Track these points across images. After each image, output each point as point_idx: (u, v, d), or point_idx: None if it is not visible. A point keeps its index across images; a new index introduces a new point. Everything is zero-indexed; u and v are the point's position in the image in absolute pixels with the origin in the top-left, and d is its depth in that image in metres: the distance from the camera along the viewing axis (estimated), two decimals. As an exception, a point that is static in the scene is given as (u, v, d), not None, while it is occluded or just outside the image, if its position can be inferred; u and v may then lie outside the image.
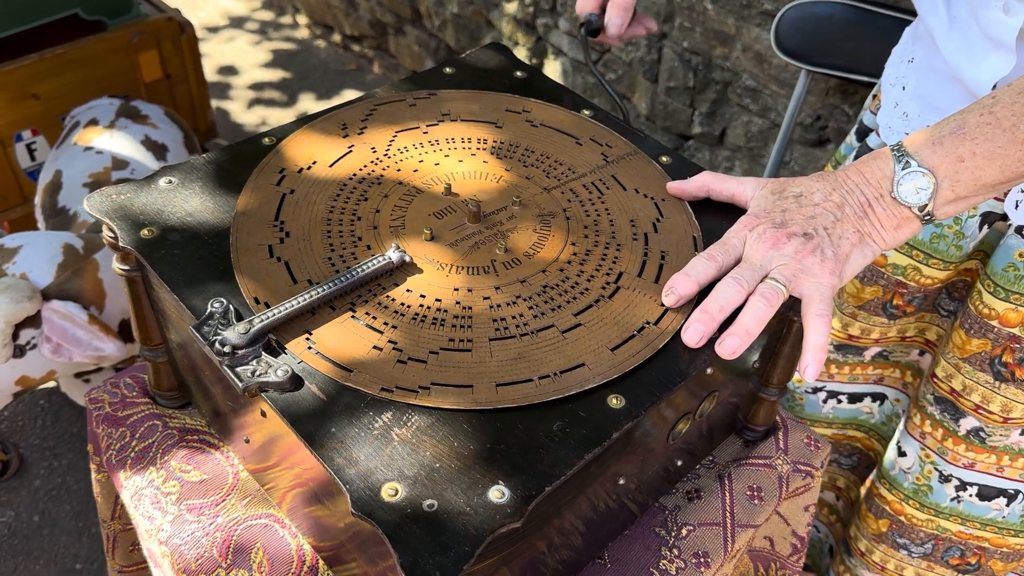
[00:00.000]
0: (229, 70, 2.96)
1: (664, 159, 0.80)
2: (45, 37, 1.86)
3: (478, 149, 0.79)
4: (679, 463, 0.76)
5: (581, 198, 0.73)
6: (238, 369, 0.58)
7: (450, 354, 0.61)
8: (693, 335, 0.62)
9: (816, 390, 1.13)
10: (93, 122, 1.70)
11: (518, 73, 0.90)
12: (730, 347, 0.61)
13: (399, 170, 0.76)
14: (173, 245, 0.66)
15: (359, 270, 0.64)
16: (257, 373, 0.58)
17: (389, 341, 0.61)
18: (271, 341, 0.60)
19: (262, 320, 0.59)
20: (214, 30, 3.17)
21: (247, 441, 0.72)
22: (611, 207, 0.72)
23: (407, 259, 0.66)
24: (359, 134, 0.79)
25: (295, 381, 0.58)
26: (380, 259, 0.65)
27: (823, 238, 0.64)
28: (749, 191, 0.71)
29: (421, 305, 0.64)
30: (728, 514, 0.78)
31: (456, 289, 0.65)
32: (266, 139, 0.77)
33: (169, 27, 2.00)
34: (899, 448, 1.04)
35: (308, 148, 0.77)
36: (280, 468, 0.68)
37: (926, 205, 0.64)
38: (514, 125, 0.81)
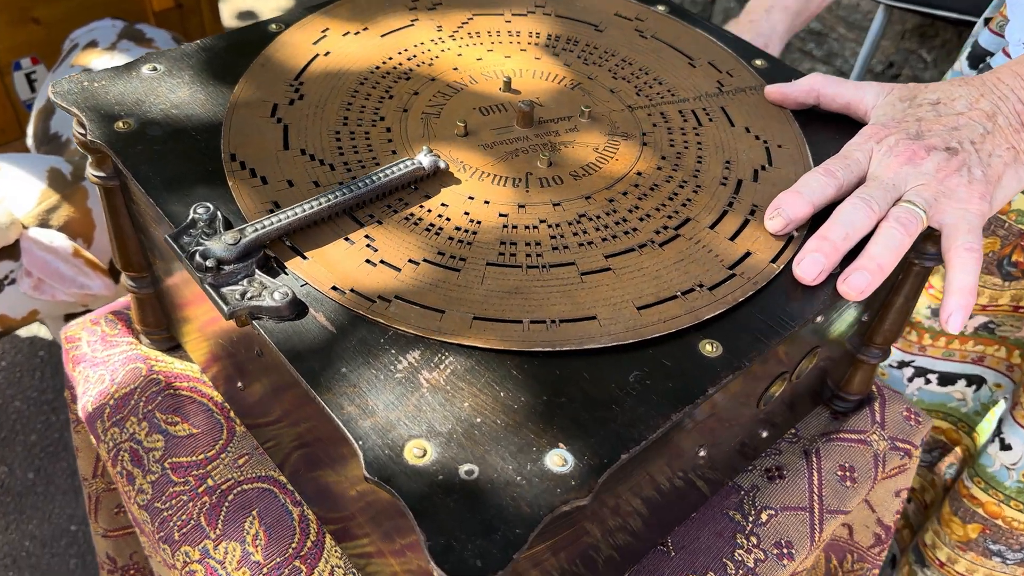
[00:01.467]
0: (249, 15, 2.82)
1: (758, 62, 0.67)
2: None
3: (563, 50, 0.66)
4: (764, 434, 0.63)
5: (671, 125, 0.60)
6: (224, 290, 0.45)
7: (499, 275, 0.49)
8: (810, 269, 0.49)
9: (902, 364, 0.97)
10: (93, 44, 1.56)
11: None
12: (858, 284, 0.49)
13: (459, 55, 0.65)
14: (153, 140, 0.54)
15: (380, 175, 0.52)
16: (248, 295, 0.45)
17: (421, 260, 0.49)
18: (268, 258, 0.48)
19: (256, 229, 0.47)
20: None
21: (241, 388, 0.60)
22: (706, 142, 0.59)
23: (442, 165, 0.54)
24: (428, 9, 0.68)
25: (296, 307, 0.46)
26: (407, 163, 0.52)
27: (970, 154, 0.52)
28: (870, 98, 0.59)
29: (443, 218, 0.52)
30: (816, 497, 0.65)
31: (477, 199, 0.54)
32: (272, 26, 0.65)
33: None
34: (1002, 440, 0.90)
35: (330, 33, 0.65)
36: (282, 424, 0.56)
37: None
38: (618, 32, 0.68)
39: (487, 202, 0.53)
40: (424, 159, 0.53)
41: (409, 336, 0.45)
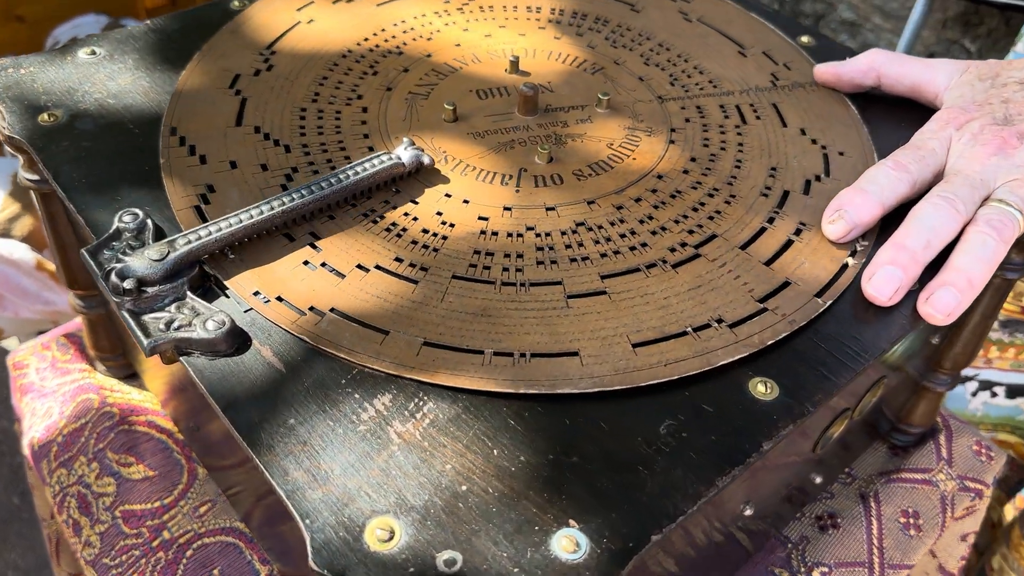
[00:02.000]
0: None
1: (804, 39, 0.58)
2: None
3: (589, 30, 0.56)
4: (817, 480, 0.53)
5: (708, 121, 0.50)
6: (146, 318, 0.36)
7: (465, 291, 0.40)
8: (884, 285, 0.40)
9: (965, 378, 0.88)
10: (74, 40, 1.49)
11: None
12: (944, 304, 0.40)
13: (465, 29, 0.56)
14: (82, 135, 0.46)
15: (349, 173, 0.43)
16: (176, 324, 0.36)
17: (372, 267, 0.40)
18: (204, 275, 0.39)
19: (190, 241, 0.38)
20: None
21: (196, 429, 0.52)
22: (749, 143, 0.48)
23: (426, 161, 0.44)
24: None
25: (236, 339, 0.37)
26: (383, 159, 0.43)
27: None
28: (942, 78, 0.50)
29: (409, 217, 0.43)
30: (876, 550, 0.55)
31: (454, 198, 0.45)
32: (235, 2, 0.56)
33: None
34: None
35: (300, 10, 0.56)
36: (248, 466, 0.47)
37: None
38: (658, 13, 0.58)
39: (466, 201, 0.44)
40: (404, 153, 0.44)
41: (379, 376, 0.35)
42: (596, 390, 0.35)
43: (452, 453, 0.33)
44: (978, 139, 0.44)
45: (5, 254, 1.07)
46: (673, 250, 0.42)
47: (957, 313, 0.40)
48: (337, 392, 0.35)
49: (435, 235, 0.42)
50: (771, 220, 0.43)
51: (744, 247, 0.42)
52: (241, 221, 0.39)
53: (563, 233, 0.42)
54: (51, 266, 1.11)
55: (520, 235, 0.42)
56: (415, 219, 0.43)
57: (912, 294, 0.41)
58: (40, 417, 0.62)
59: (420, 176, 0.45)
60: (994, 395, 0.89)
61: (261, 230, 0.40)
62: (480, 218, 0.43)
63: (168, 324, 0.36)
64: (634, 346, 0.37)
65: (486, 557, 0.30)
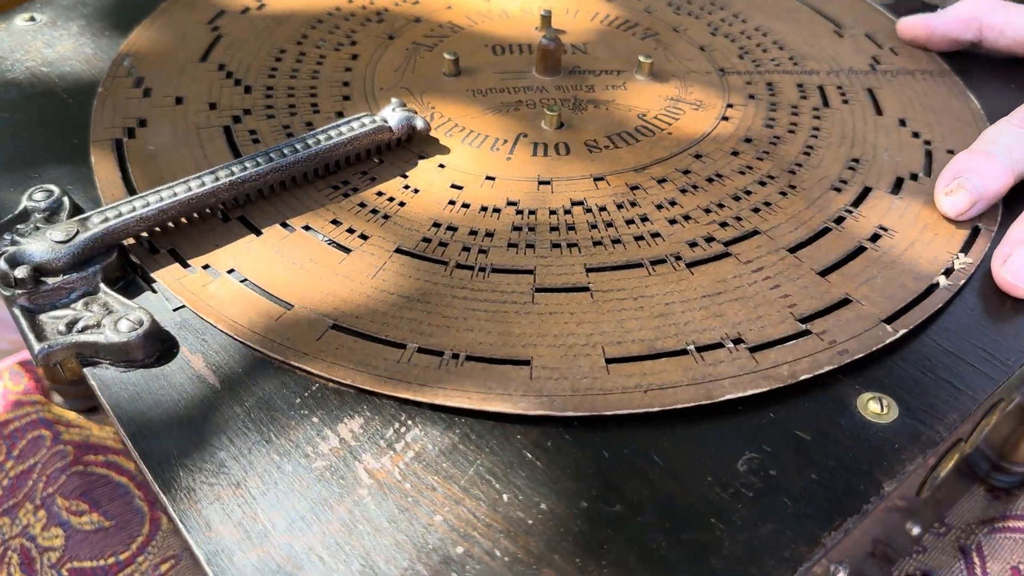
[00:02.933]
0: None
1: None
2: None
3: None
4: (914, 531, 0.43)
5: (778, 99, 0.40)
6: (43, 316, 0.28)
7: (407, 270, 0.31)
8: None
9: None
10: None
11: None
12: None
13: None
14: (5, 106, 0.40)
15: (320, 137, 0.34)
16: (80, 325, 0.27)
17: (299, 227, 0.31)
18: (126, 265, 0.30)
19: (107, 219, 0.29)
20: None
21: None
22: (827, 129, 0.38)
23: (419, 125, 0.35)
24: None
25: (157, 344, 0.28)
26: (366, 121, 0.34)
27: None
28: None
29: (366, 177, 0.35)
30: None
31: (429, 160, 0.36)
32: None
33: None
34: None
35: None
36: None
37: None
38: None
39: (442, 166, 0.35)
40: (392, 115, 0.35)
41: (346, 392, 0.26)
42: (539, 413, 0.26)
43: (444, 498, 0.23)
44: None
45: None
46: (694, 245, 0.32)
47: None
48: (289, 414, 0.25)
49: (390, 200, 0.33)
50: (840, 220, 0.33)
51: (794, 250, 0.32)
52: (176, 195, 0.31)
53: (552, 212, 0.33)
54: None
55: (498, 210, 0.33)
56: (372, 179, 0.34)
57: None
58: None
59: (412, 145, 0.36)
60: None
61: (203, 207, 0.31)
62: (453, 186, 0.34)
63: (71, 324, 0.27)
64: (608, 361, 0.27)
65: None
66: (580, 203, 0.33)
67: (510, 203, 0.33)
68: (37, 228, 0.30)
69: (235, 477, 0.24)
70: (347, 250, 0.31)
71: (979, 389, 0.28)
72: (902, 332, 0.28)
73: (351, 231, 0.32)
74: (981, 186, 0.33)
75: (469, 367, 0.27)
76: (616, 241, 0.32)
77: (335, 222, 0.32)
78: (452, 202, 0.33)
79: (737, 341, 0.28)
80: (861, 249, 0.32)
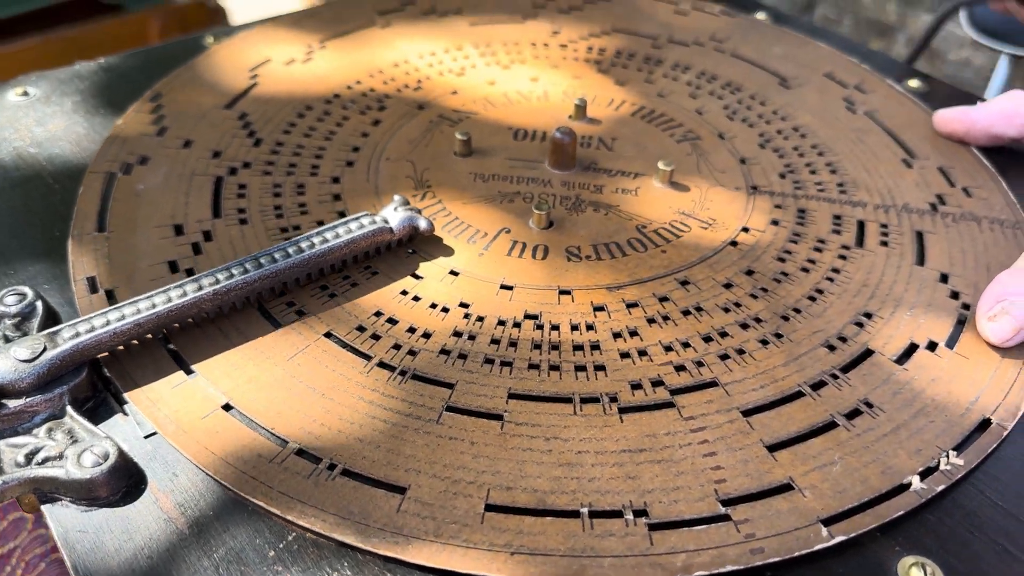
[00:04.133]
0: None
1: (913, 83, 0.46)
2: (55, 19, 1.61)
3: (709, 94, 0.44)
4: None
5: (805, 231, 0.35)
6: (1, 444, 0.25)
7: (342, 374, 0.28)
8: None
9: None
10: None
11: None
12: None
13: (556, 66, 0.46)
14: None
15: (313, 239, 0.31)
16: (40, 457, 0.25)
17: (436, 421, 0.27)
18: (98, 383, 0.28)
19: (78, 333, 0.27)
20: None
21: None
22: (848, 272, 0.33)
23: (423, 225, 0.33)
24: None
25: (123, 481, 0.25)
26: (365, 221, 0.32)
27: None
28: None
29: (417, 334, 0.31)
30: None
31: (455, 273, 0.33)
32: (209, 38, 0.48)
33: (199, 12, 1.72)
34: None
35: (280, 44, 0.47)
36: None
37: None
38: (815, 95, 0.44)
39: (411, 252, 0.33)
40: (394, 215, 0.33)
41: (326, 545, 0.24)
42: (387, 554, 0.23)
43: None
44: None
45: None
46: (637, 387, 0.28)
47: None
48: (261, 570, 0.23)
49: (346, 277, 0.32)
50: (819, 385, 0.28)
51: (749, 413, 0.27)
52: (155, 306, 0.28)
53: (501, 323, 0.30)
54: None
55: (447, 310, 0.30)
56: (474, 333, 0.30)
57: None
58: None
59: (415, 245, 0.34)
60: None
61: (184, 318, 0.29)
62: (413, 275, 0.32)
63: (30, 456, 0.25)
64: (488, 508, 0.24)
65: None
66: (534, 317, 0.30)
67: (462, 304, 0.31)
68: (5, 339, 0.28)
69: None
70: (277, 324, 0.29)
71: None
72: (838, 539, 0.24)
73: (291, 304, 0.30)
74: None
75: (340, 483, 0.25)
76: (554, 368, 0.28)
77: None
78: (405, 292, 0.31)
79: (639, 513, 0.24)
80: (831, 425, 0.27)
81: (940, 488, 0.25)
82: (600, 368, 0.28)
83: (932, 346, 0.30)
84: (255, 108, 0.41)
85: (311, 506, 0.24)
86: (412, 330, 0.30)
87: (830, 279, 0.33)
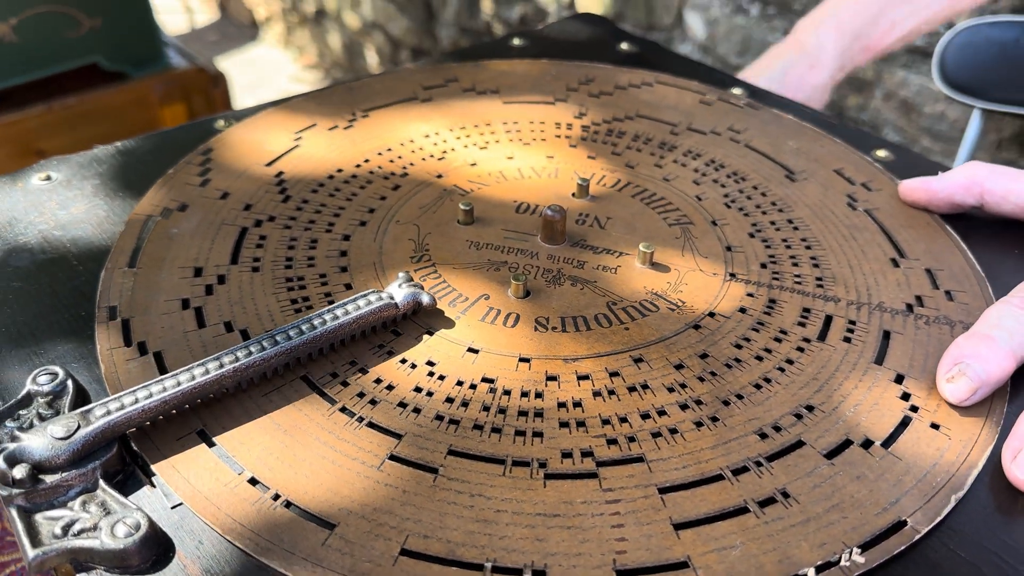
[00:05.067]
0: None
1: (880, 153, 0.49)
2: (59, 87, 1.63)
3: (714, 181, 0.46)
4: None
5: (769, 321, 0.36)
6: (38, 517, 0.28)
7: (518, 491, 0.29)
8: None
9: None
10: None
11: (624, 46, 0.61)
12: None
13: (573, 145, 0.49)
14: (14, 274, 0.40)
15: (325, 317, 0.34)
16: (76, 528, 0.27)
17: (378, 467, 0.30)
18: (127, 456, 0.31)
19: (109, 411, 0.30)
20: None
21: None
22: (801, 367, 0.34)
23: (425, 301, 0.36)
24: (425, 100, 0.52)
25: (153, 550, 0.27)
26: (372, 298, 0.35)
27: None
28: None
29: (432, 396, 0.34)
30: None
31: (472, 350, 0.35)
32: (220, 121, 0.50)
33: (200, 79, 1.75)
34: None
35: (277, 131, 0.50)
36: None
37: None
38: (818, 188, 0.46)
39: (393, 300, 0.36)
40: (398, 291, 0.35)
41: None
42: None
43: None
44: None
45: None
46: (567, 456, 0.30)
47: None
48: None
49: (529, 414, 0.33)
50: (740, 471, 0.29)
51: (667, 491, 0.29)
52: (180, 384, 0.30)
53: (459, 383, 0.32)
54: None
55: (414, 366, 0.33)
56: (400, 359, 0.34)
57: None
58: None
59: (417, 318, 0.36)
60: None
61: (206, 394, 0.31)
62: (393, 331, 0.35)
63: (67, 528, 0.27)
64: (403, 553, 0.26)
65: None
66: (490, 380, 0.33)
67: (429, 362, 0.34)
68: (45, 416, 0.30)
69: None
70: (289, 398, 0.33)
71: None
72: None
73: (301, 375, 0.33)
74: (984, 372, 0.32)
75: (281, 513, 0.27)
76: (496, 430, 0.31)
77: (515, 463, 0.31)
78: (381, 346, 0.34)
79: (538, 573, 0.26)
80: (743, 511, 0.28)
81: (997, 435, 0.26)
82: (538, 435, 0.31)
83: (867, 444, 0.31)
84: (292, 167, 0.46)
85: (249, 529, 0.27)
86: (378, 381, 0.33)
87: (781, 369, 0.34)
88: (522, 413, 0.31)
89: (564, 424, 0.31)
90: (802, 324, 0.36)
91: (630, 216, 0.42)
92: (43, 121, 1.56)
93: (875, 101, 1.49)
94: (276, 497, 0.28)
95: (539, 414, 0.31)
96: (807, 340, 0.35)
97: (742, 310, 0.37)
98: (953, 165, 1.28)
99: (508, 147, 0.48)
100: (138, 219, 0.41)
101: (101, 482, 0.29)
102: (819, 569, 0.26)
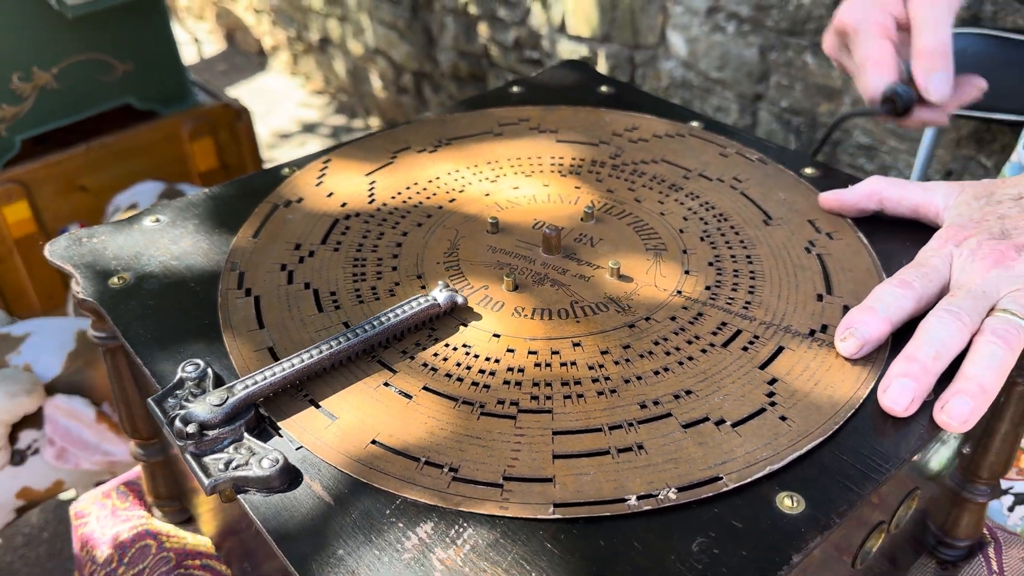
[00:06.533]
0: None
1: (808, 170, 0.61)
2: (97, 127, 1.75)
3: (700, 220, 0.57)
4: None
5: (687, 328, 0.48)
6: (207, 459, 0.41)
7: (526, 428, 0.42)
8: (900, 397, 0.43)
9: (1004, 492, 0.84)
10: (134, 206, 1.61)
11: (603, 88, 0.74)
12: (959, 412, 0.42)
13: (599, 180, 0.61)
14: (148, 295, 0.52)
15: (390, 315, 0.47)
16: (234, 464, 0.40)
17: (433, 417, 0.43)
18: (260, 417, 0.43)
19: (247, 386, 0.42)
20: (287, 136, 3.08)
21: (249, 570, 0.57)
22: (693, 368, 0.45)
23: (460, 300, 0.49)
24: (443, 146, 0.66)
25: (288, 476, 0.40)
26: (420, 301, 0.48)
27: None
28: (940, 199, 0.54)
29: (468, 367, 0.46)
30: None
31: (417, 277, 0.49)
32: (286, 169, 0.63)
33: (226, 115, 1.84)
34: None
35: (343, 175, 0.63)
36: None
37: None
38: (785, 232, 0.56)
39: (423, 285, 0.51)
40: (440, 296, 0.48)
41: (420, 505, 0.39)
42: (767, 471, 0.39)
43: None
44: (977, 254, 0.48)
45: (66, 407, 1.11)
46: (500, 402, 0.43)
47: (973, 420, 0.42)
48: (382, 522, 0.38)
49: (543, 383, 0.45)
50: (614, 428, 0.41)
51: (558, 433, 0.41)
52: (293, 365, 0.43)
53: (446, 345, 0.47)
54: (111, 418, 1.14)
55: (447, 345, 0.47)
56: (452, 348, 0.47)
57: (928, 404, 0.42)
58: (100, 565, 0.65)
59: (454, 314, 0.49)
60: None
61: (311, 372, 0.44)
62: (389, 291, 0.50)
63: (227, 464, 0.40)
64: (426, 464, 0.40)
65: None
66: (468, 347, 0.46)
67: (432, 330, 0.47)
68: (195, 394, 0.43)
69: (350, 567, 0.36)
70: (364, 372, 0.45)
71: (865, 487, 0.39)
72: (558, 516, 0.37)
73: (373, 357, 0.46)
74: (867, 333, 0.45)
75: (371, 449, 0.41)
76: (460, 380, 0.44)
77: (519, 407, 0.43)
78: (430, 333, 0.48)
79: (453, 469, 0.39)
80: (604, 453, 0.40)
81: (646, 508, 0.37)
82: (487, 387, 0.44)
83: (720, 422, 0.42)
84: (383, 178, 0.61)
85: (406, 482, 0.39)
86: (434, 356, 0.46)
87: (681, 363, 0.45)
88: (481, 371, 0.45)
89: (507, 382, 0.44)
90: (715, 333, 0.47)
91: (618, 239, 0.54)
92: (84, 159, 1.71)
93: (844, 107, 1.62)
94: (368, 441, 0.41)
95: (492, 373, 0.44)
96: (712, 345, 0.46)
97: (673, 318, 0.48)
98: (915, 162, 1.37)
99: (546, 177, 0.61)
100: (267, 206, 0.58)
101: (245, 434, 0.41)
102: (640, 497, 0.38)
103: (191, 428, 0.40)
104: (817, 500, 0.38)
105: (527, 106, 0.70)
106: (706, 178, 0.60)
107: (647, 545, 0.36)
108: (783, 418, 0.42)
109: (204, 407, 0.41)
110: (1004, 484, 0.80)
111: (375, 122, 3.14)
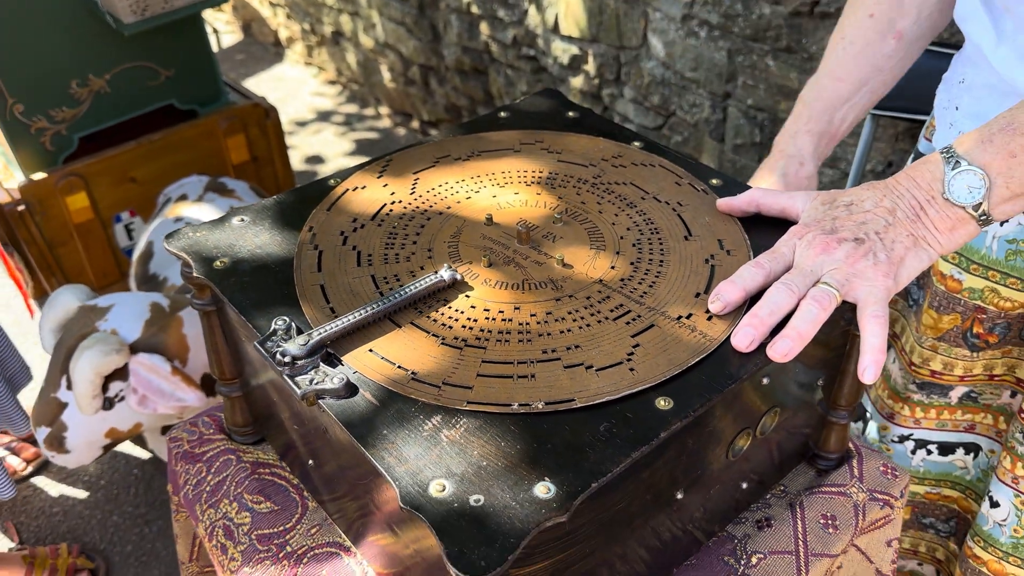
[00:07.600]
0: (316, 159, 3.08)
1: (714, 181, 0.79)
2: (144, 125, 1.98)
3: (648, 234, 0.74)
4: (744, 486, 0.73)
5: (602, 311, 0.66)
6: (298, 379, 0.60)
7: (503, 356, 0.62)
8: (743, 339, 0.61)
9: (903, 438, 1.04)
10: (183, 197, 1.78)
11: (571, 114, 0.91)
12: (782, 349, 0.60)
13: (592, 193, 0.79)
14: (243, 274, 0.69)
15: (411, 287, 0.66)
16: (315, 382, 0.59)
17: (444, 343, 0.63)
18: (329, 353, 0.62)
19: (320, 333, 0.62)
20: (303, 124, 3.27)
21: (314, 466, 0.74)
22: (594, 331, 0.64)
23: (458, 277, 0.68)
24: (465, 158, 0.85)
25: (350, 388, 0.60)
26: (431, 278, 0.67)
27: (875, 242, 0.63)
28: (800, 204, 0.70)
29: (467, 321, 0.66)
30: (801, 543, 0.74)
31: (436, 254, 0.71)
32: (331, 181, 0.81)
33: (255, 113, 2.06)
34: (991, 498, 0.95)
35: (373, 189, 0.81)
36: (346, 498, 0.71)
37: (980, 204, 0.63)
38: (734, 262, 0.71)
39: (430, 257, 0.71)
40: (445, 274, 0.67)
41: (433, 406, 0.58)
42: (650, 384, 0.59)
43: (477, 445, 0.55)
44: (812, 244, 0.64)
45: (148, 363, 1.36)
46: (445, 323, 0.65)
47: (791, 355, 0.59)
48: (410, 415, 0.57)
49: (520, 332, 0.65)
50: (522, 363, 0.62)
51: (487, 363, 0.62)
52: (348, 321, 0.63)
53: (432, 296, 0.67)
54: (183, 372, 1.39)
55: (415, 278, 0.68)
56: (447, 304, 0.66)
57: (765, 345, 0.61)
58: (193, 475, 0.83)
59: (455, 287, 0.68)
60: (929, 453, 1.03)
61: (359, 326, 0.63)
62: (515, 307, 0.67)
63: (311, 381, 0.59)
64: (444, 383, 0.62)
65: (497, 497, 0.52)
66: (445, 300, 0.66)
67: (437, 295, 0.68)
68: (284, 339, 0.61)
69: (391, 439, 0.55)
70: (398, 325, 0.65)
71: (715, 394, 0.58)
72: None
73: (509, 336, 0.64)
74: (728, 299, 0.63)
75: (404, 375, 0.61)
76: (446, 326, 0.64)
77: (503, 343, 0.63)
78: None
79: (429, 375, 0.62)
80: (509, 377, 0.61)
81: (522, 411, 0.57)
82: (456, 321, 0.64)
83: (589, 367, 0.60)
84: (425, 176, 0.80)
85: (418, 392, 0.58)
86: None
87: (580, 327, 0.64)
88: (450, 317, 0.65)
89: (464, 326, 0.64)
90: (612, 311, 0.65)
91: (574, 238, 0.72)
92: (134, 154, 1.94)
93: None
94: (402, 367, 0.60)
95: (455, 319, 0.64)
96: (606, 318, 0.64)
97: (588, 297, 0.66)
98: (854, 156, 1.70)
99: (540, 187, 0.78)
100: (336, 192, 0.79)
101: (322, 364, 0.60)
102: (521, 404, 0.58)
103: (287, 359, 0.60)
104: (682, 402, 0.57)
105: (543, 131, 0.88)
106: (657, 200, 0.77)
107: (573, 428, 0.56)
108: (632, 370, 0.60)
109: (294, 346, 0.60)
110: (905, 432, 1.02)
111: (385, 111, 3.34)
